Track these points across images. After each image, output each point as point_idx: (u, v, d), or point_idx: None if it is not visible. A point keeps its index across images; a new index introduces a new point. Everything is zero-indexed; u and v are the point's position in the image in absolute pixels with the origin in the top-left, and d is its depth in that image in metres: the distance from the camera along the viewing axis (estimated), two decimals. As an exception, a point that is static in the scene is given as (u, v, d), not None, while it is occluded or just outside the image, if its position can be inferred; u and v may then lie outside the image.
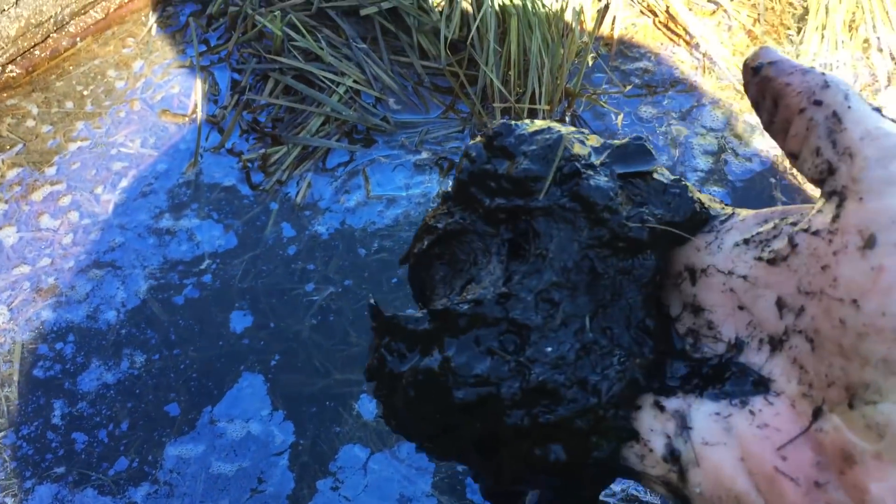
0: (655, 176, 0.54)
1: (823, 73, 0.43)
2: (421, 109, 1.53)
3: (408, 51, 1.61)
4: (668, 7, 1.68)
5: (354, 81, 1.54)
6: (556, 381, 0.49)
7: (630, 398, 0.49)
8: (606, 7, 1.68)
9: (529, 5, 1.50)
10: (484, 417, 0.50)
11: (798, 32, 1.67)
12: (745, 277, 0.45)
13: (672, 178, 0.54)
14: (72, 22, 1.65)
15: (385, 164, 1.45)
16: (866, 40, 1.64)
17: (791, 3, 1.72)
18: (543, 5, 1.51)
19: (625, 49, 1.64)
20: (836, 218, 0.39)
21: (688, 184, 0.53)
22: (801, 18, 1.69)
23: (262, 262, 1.32)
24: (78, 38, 1.67)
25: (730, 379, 0.45)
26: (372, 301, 0.56)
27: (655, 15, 1.69)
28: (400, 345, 0.54)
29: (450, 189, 0.61)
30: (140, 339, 1.25)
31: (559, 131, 0.55)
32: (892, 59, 1.60)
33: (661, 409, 0.47)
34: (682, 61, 1.62)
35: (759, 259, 0.44)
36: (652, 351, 0.50)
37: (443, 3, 1.62)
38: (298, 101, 1.53)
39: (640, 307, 0.51)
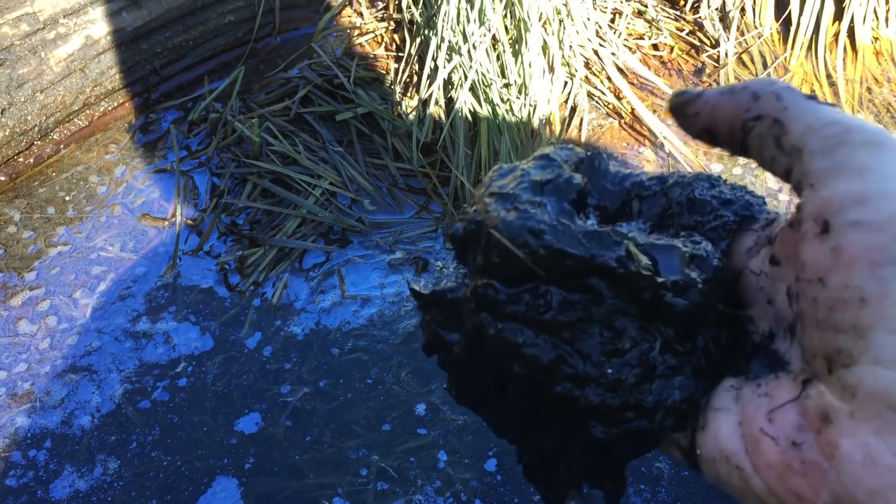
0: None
1: (746, 86, 0.47)
2: (395, 210, 1.58)
3: (382, 153, 1.66)
4: (632, 110, 1.75)
5: (331, 183, 1.59)
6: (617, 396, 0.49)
7: (684, 413, 0.51)
8: (574, 110, 1.74)
9: (500, 111, 1.57)
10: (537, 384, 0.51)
11: (758, 131, 1.73)
12: (766, 274, 0.49)
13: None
14: (56, 129, 1.70)
15: (360, 263, 1.48)
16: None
17: (750, 103, 1.80)
18: (511, 110, 1.57)
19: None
20: (798, 209, 0.43)
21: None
22: (761, 117, 1.76)
23: (237, 363, 1.33)
24: (62, 146, 1.71)
25: (755, 360, 0.49)
26: (411, 283, 0.57)
27: (621, 117, 1.76)
28: (444, 318, 0.54)
29: None
30: (114, 444, 1.25)
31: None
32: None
33: None
34: (648, 160, 1.68)
35: (769, 256, 0.49)
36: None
37: (416, 108, 1.68)
38: (276, 204, 1.57)
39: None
